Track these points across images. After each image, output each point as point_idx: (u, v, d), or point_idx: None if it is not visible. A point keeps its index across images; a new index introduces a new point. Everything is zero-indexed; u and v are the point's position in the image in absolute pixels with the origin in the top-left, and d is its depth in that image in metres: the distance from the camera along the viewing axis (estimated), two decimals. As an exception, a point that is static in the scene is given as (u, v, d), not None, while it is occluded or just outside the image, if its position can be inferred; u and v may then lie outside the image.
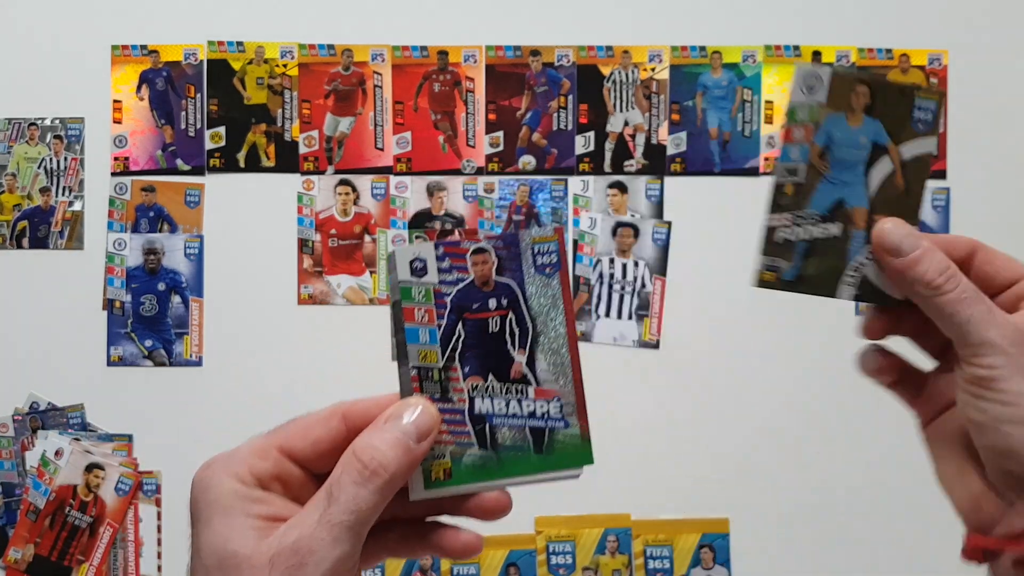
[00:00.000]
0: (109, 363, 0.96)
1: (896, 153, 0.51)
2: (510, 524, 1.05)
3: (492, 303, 0.37)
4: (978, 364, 0.41)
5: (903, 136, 0.51)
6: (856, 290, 0.50)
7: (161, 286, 0.96)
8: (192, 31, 0.96)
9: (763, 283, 0.51)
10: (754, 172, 0.97)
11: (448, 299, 0.37)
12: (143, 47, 0.96)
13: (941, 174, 0.98)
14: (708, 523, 0.96)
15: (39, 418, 0.95)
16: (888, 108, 0.51)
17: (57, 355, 0.95)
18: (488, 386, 0.37)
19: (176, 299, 0.96)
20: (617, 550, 0.95)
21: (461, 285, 0.37)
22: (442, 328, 0.38)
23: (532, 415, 0.38)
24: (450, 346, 0.37)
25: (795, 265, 0.52)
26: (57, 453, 0.94)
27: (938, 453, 0.45)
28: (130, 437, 0.95)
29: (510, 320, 0.37)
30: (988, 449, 0.41)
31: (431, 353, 0.37)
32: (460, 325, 0.37)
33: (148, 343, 0.96)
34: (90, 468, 0.94)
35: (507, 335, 0.37)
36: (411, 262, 0.36)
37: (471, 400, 0.37)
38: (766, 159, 0.97)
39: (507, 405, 0.38)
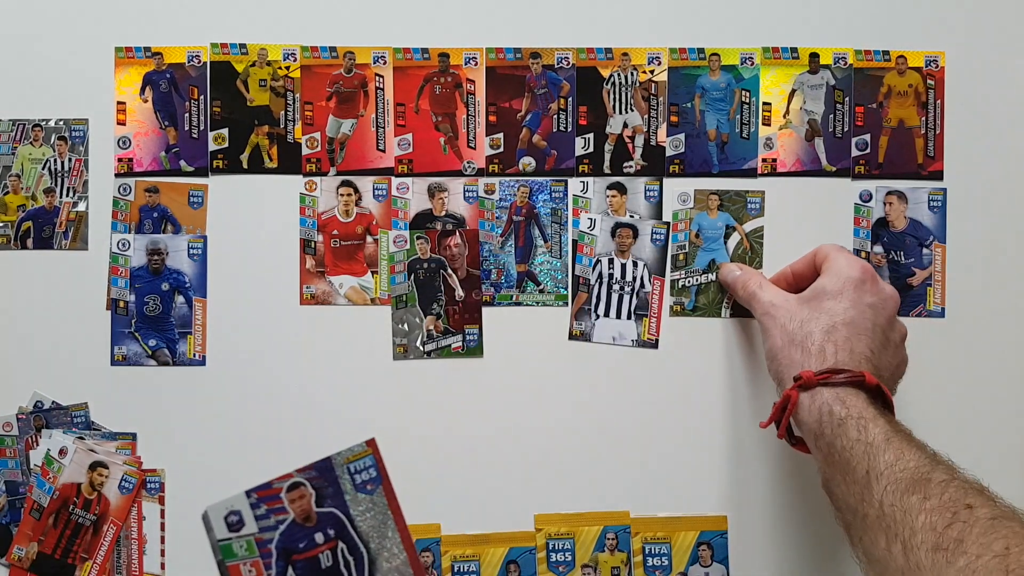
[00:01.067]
0: (113, 362, 0.96)
1: (741, 229, 0.95)
2: (510, 521, 1.05)
3: (319, 537, 0.34)
4: (760, 327, 0.82)
5: (743, 219, 0.95)
6: (731, 310, 0.94)
7: (165, 286, 0.96)
8: (195, 33, 0.97)
9: (673, 313, 0.95)
10: (752, 173, 0.98)
11: (272, 545, 0.35)
12: (146, 49, 0.97)
13: (938, 175, 0.99)
14: (706, 520, 0.97)
15: (43, 417, 0.95)
16: (732, 204, 0.95)
17: (61, 354, 0.96)
18: None
19: (180, 299, 0.96)
20: (616, 547, 0.96)
21: (283, 527, 0.34)
22: None
23: None
24: None
25: (692, 300, 0.94)
26: (61, 452, 0.94)
27: None
28: (134, 436, 0.96)
29: (341, 550, 0.35)
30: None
31: None
32: (291, 570, 0.34)
33: (152, 343, 0.96)
34: (94, 466, 0.95)
35: (342, 567, 0.35)
36: (226, 518, 0.35)
37: None
38: (764, 160, 0.98)
39: None
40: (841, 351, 0.71)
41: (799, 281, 0.87)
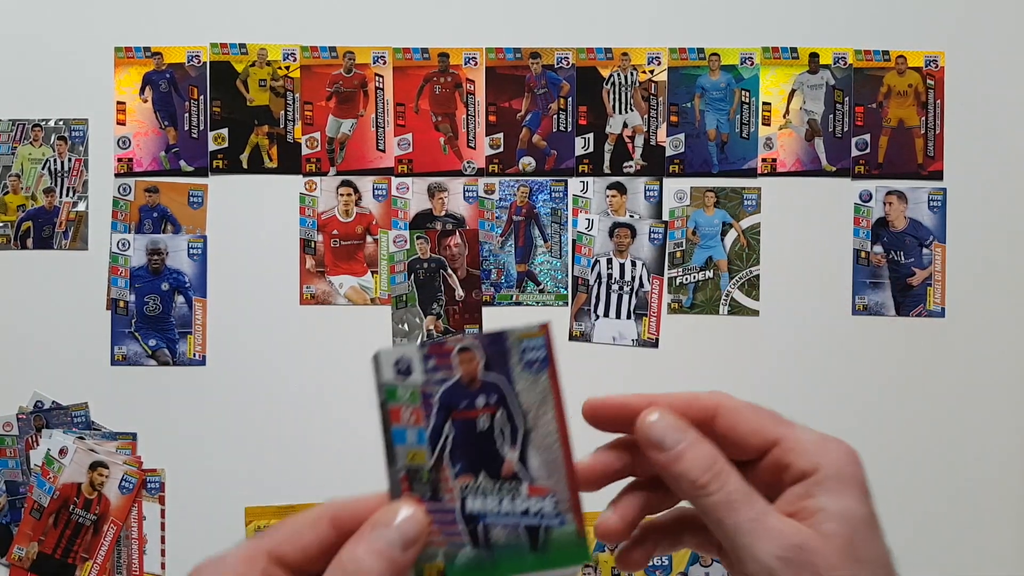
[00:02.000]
0: (113, 362, 0.96)
1: (738, 226, 0.94)
2: (510, 521, 1.03)
3: (480, 401, 0.36)
4: None
5: (739, 216, 0.94)
6: (729, 307, 0.92)
7: (165, 286, 0.96)
8: (195, 33, 0.97)
9: (671, 310, 0.96)
10: (752, 173, 0.98)
11: (435, 398, 0.36)
12: (146, 49, 0.97)
13: (937, 175, 0.99)
14: (706, 521, 0.97)
15: (43, 417, 0.95)
16: (728, 202, 0.94)
17: (61, 354, 0.96)
18: (479, 485, 0.36)
19: (180, 299, 0.96)
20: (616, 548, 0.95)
21: (448, 384, 0.36)
22: (430, 427, 0.37)
23: (526, 513, 0.37)
24: (439, 445, 0.36)
25: (689, 297, 0.94)
26: (61, 451, 0.94)
27: None
28: (134, 436, 0.96)
29: (499, 418, 0.36)
30: None
31: (420, 453, 0.36)
32: (448, 424, 0.36)
33: (152, 342, 0.96)
34: (94, 466, 0.95)
35: (497, 433, 0.36)
36: (395, 363, 0.36)
37: (462, 499, 0.36)
38: (764, 160, 0.98)
39: (500, 503, 0.36)
40: None
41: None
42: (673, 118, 0.98)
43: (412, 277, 0.97)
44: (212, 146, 0.97)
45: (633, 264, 0.97)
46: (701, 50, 0.98)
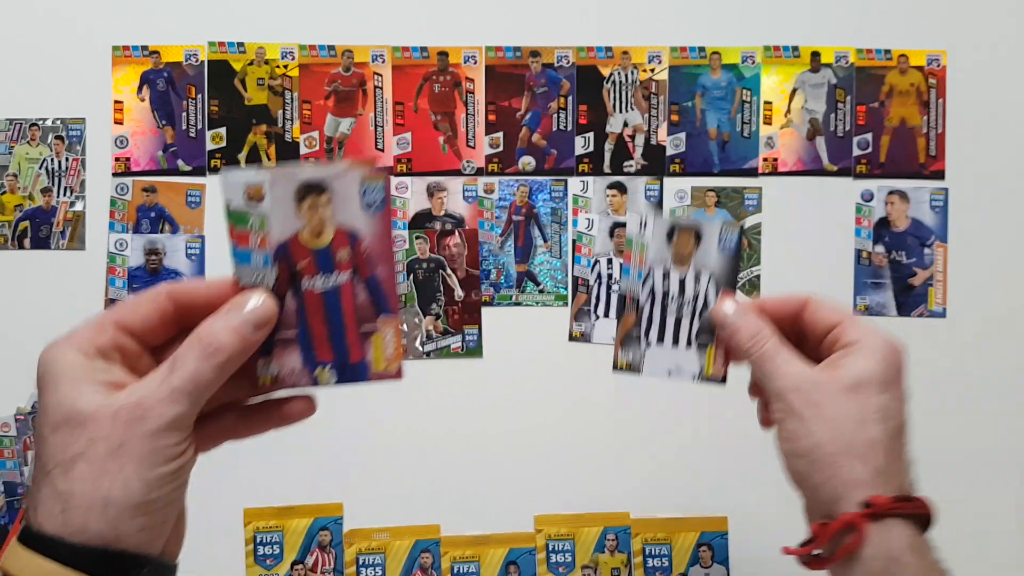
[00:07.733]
0: (111, 363, 0.96)
1: (740, 224, 0.93)
2: (510, 523, 1.05)
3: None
4: (773, 409, 0.55)
5: (740, 216, 0.96)
6: None
7: (162, 286, 0.96)
8: (193, 32, 0.96)
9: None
10: (753, 173, 0.97)
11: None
12: (144, 48, 0.96)
13: (939, 175, 0.98)
14: (707, 521, 0.96)
15: (41, 417, 0.95)
16: (729, 201, 0.96)
17: (59, 355, 0.95)
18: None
19: (177, 299, 0.96)
20: (616, 548, 0.95)
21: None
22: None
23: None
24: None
25: None
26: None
27: None
28: (132, 436, 0.96)
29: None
30: (785, 466, 0.57)
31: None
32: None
33: (149, 343, 0.96)
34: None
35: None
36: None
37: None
38: (765, 159, 0.98)
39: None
40: (903, 468, 0.57)
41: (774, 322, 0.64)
42: (674, 117, 0.98)
43: (411, 277, 0.97)
44: (210, 145, 0.97)
45: (634, 264, 0.97)
46: (702, 49, 0.97)
